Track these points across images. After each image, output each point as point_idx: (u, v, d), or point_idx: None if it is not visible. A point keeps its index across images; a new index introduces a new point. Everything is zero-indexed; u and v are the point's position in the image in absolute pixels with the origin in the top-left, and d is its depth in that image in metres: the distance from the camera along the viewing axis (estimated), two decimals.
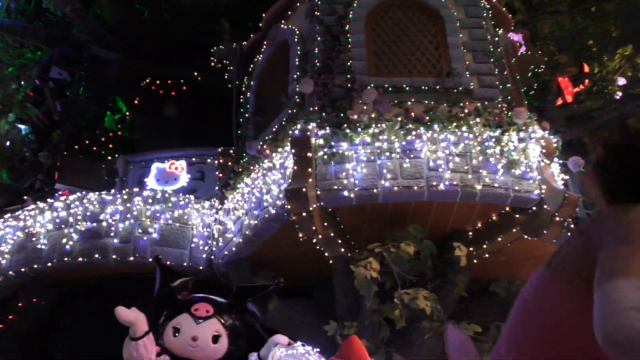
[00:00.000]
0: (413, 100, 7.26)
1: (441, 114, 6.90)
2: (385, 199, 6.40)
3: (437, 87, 7.47)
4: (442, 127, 6.65)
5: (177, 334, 4.11)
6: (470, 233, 6.92)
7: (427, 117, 6.79)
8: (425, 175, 6.38)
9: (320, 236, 6.53)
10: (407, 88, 7.42)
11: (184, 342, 4.04)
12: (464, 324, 6.31)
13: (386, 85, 7.37)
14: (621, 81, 12.21)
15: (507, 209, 6.68)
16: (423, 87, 7.47)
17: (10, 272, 8.47)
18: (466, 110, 6.99)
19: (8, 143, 12.33)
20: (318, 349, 4.24)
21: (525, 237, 6.70)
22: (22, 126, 11.89)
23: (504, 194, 6.40)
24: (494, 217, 6.83)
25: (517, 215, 6.63)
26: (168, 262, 7.95)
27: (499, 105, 7.41)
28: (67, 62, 11.04)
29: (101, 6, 12.49)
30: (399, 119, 6.73)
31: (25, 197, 10.14)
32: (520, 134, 6.69)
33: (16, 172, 11.57)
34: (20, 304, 8.62)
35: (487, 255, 7.05)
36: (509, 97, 7.65)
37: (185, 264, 8.05)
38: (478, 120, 6.79)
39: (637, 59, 12.96)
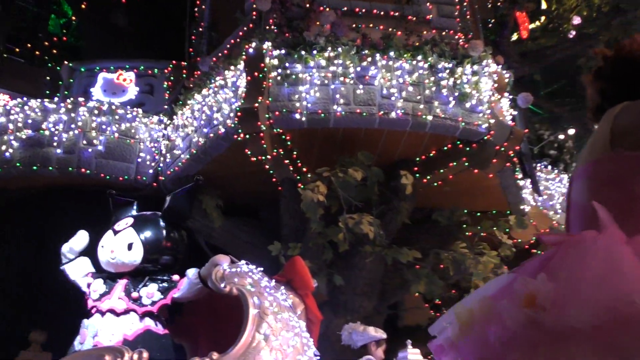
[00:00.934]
0: (371, 25, 7.16)
1: (398, 42, 6.84)
2: (336, 124, 6.40)
3: (396, 13, 7.36)
4: (398, 55, 6.61)
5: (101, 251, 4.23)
6: (418, 162, 7.03)
7: (384, 44, 6.72)
8: (377, 102, 6.38)
9: (269, 157, 6.53)
10: (366, 13, 7.29)
11: (106, 256, 4.14)
12: (405, 250, 6.51)
13: (345, 8, 7.23)
14: (576, 20, 12.28)
15: (456, 140, 6.79)
16: (382, 13, 7.36)
17: None
18: (423, 40, 6.95)
19: None
20: (262, 269, 4.30)
21: (471, 168, 6.86)
22: None
23: (454, 126, 6.49)
24: (442, 148, 6.94)
25: (465, 147, 6.76)
26: (113, 176, 7.84)
27: (456, 37, 7.39)
28: None
29: None
30: (355, 43, 6.63)
31: None
32: (474, 67, 6.72)
33: None
34: None
35: (432, 185, 7.21)
36: (467, 29, 7.63)
37: (131, 178, 7.94)
38: (434, 50, 6.76)
39: None
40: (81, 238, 4.37)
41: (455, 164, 6.89)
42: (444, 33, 7.40)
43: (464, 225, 7.31)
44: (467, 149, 6.74)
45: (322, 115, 6.31)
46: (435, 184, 7.20)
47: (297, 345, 3.89)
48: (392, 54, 6.60)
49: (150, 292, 4.03)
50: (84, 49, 11.42)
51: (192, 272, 4.00)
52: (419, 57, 6.65)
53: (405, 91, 6.45)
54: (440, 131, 6.58)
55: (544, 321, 1.38)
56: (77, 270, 4.26)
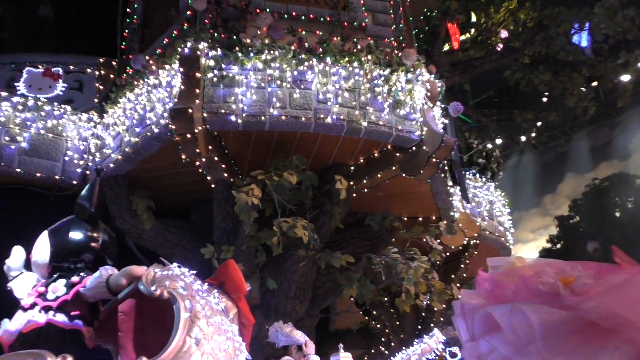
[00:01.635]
0: (308, 30, 7.20)
1: (334, 47, 6.91)
2: (272, 127, 6.40)
3: (333, 19, 7.44)
4: (334, 61, 6.68)
5: None
6: (352, 167, 7.12)
7: (320, 49, 6.77)
8: (313, 107, 6.42)
9: (203, 159, 6.45)
10: (303, 17, 7.33)
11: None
12: (338, 254, 6.58)
13: (282, 12, 7.24)
14: (503, 34, 12.79)
15: (389, 147, 6.92)
16: (319, 18, 7.41)
17: None
18: (359, 46, 7.05)
19: None
20: (194, 272, 4.24)
21: (403, 175, 7.01)
22: None
23: (387, 132, 6.62)
24: (376, 154, 7.06)
25: (397, 154, 6.90)
26: (38, 174, 7.53)
27: (391, 45, 7.54)
28: None
29: None
30: (293, 47, 6.66)
31: None
32: (408, 75, 6.88)
33: None
34: None
35: (365, 190, 7.31)
36: (401, 38, 7.80)
37: (57, 177, 7.65)
38: (369, 57, 6.88)
39: (520, 14, 13.59)
40: (16, 254, 4.22)
41: (387, 170, 7.02)
42: (379, 41, 7.53)
43: (395, 230, 7.46)
44: (400, 155, 6.88)
45: (258, 118, 6.29)
46: (368, 189, 7.32)
47: (229, 349, 3.86)
48: (328, 59, 6.66)
49: (55, 287, 3.90)
50: (8, 41, 10.91)
51: (102, 271, 3.89)
52: (355, 64, 6.75)
53: (341, 97, 6.53)
54: (375, 137, 6.69)
55: (565, 299, 1.64)
56: (22, 287, 4.10)
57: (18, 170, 7.50)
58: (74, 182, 7.66)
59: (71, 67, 8.89)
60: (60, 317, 3.86)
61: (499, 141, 13.58)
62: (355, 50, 6.92)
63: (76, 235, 4.20)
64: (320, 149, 6.84)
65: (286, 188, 6.25)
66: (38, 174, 7.56)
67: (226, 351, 3.83)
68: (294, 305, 6.86)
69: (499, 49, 13.01)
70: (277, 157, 6.59)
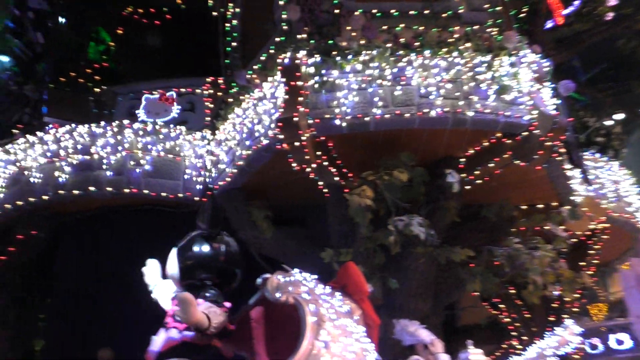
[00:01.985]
0: (402, 25, 7.16)
1: (431, 40, 6.82)
2: (376, 127, 6.41)
3: (426, 11, 7.34)
4: (433, 53, 6.59)
5: None
6: (462, 159, 6.98)
7: (417, 43, 6.71)
8: (416, 102, 6.37)
9: (312, 165, 6.58)
10: (396, 13, 7.30)
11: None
12: (457, 249, 6.47)
13: (374, 11, 7.25)
14: (611, 1, 11.98)
15: (498, 134, 6.73)
16: (412, 12, 7.35)
17: (7, 205, 8.51)
18: (456, 35, 6.91)
19: None
20: (316, 276, 4.35)
21: (516, 162, 6.78)
22: (4, 59, 11.61)
23: (495, 120, 6.43)
24: (485, 143, 6.87)
25: (508, 141, 6.69)
26: (162, 194, 8.03)
27: (489, 30, 7.32)
28: None
29: None
30: (389, 45, 6.64)
31: (13, 131, 10.03)
32: (511, 58, 6.65)
33: (2, 106, 11.39)
34: (19, 237, 8.71)
35: (478, 181, 7.14)
36: (499, 21, 7.55)
37: (180, 195, 8.12)
38: (468, 45, 6.72)
39: None
40: (152, 267, 4.55)
41: (500, 158, 6.82)
42: (476, 27, 7.34)
43: (514, 220, 7.22)
44: (511, 142, 6.66)
45: (362, 119, 6.33)
46: (481, 179, 7.14)
47: (358, 351, 3.92)
48: (426, 52, 6.58)
49: None
50: (125, 72, 11.73)
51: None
52: (455, 54, 6.62)
53: (443, 88, 6.42)
54: (482, 126, 6.53)
55: None
56: (164, 296, 4.44)
57: (145, 191, 8.05)
58: (196, 198, 8.09)
59: (183, 90, 9.44)
60: (192, 334, 4.13)
61: (618, 116, 12.73)
62: (452, 39, 6.79)
63: (200, 251, 4.45)
64: (427, 144, 6.77)
65: (397, 186, 6.24)
66: (163, 194, 8.07)
67: (355, 353, 3.90)
68: (417, 304, 6.82)
69: (607, 18, 12.20)
70: (385, 156, 6.59)
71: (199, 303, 4.18)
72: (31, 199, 8.29)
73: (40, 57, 10.79)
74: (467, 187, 6.98)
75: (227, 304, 4.34)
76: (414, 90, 6.43)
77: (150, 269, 4.58)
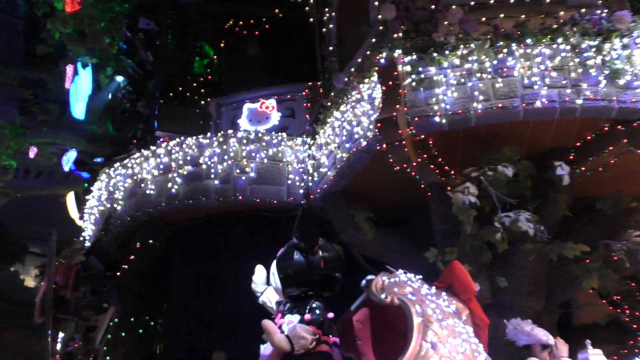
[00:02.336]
0: (502, 15, 6.91)
1: (533, 27, 6.53)
2: (478, 122, 6.23)
3: None
4: (536, 41, 6.30)
5: None
6: (572, 150, 6.62)
7: (518, 32, 6.45)
8: (519, 93, 6.13)
9: (413, 164, 6.50)
10: (495, 3, 7.05)
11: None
12: (570, 244, 6.15)
13: (472, 3, 7.03)
14: None
15: (612, 121, 6.32)
16: (511, 1, 7.07)
17: (126, 217, 9.12)
18: (561, 21, 6.57)
19: (109, 96, 12.96)
20: (420, 276, 4.30)
21: (633, 150, 6.35)
22: (119, 79, 12.42)
23: (607, 107, 6.05)
24: (597, 132, 6.48)
25: (623, 128, 6.27)
26: (267, 200, 8.26)
27: (598, 11, 6.90)
28: (152, 12, 11.31)
29: None
30: (488, 37, 6.44)
31: (130, 146, 10.71)
32: (624, 40, 6.23)
33: (119, 123, 12.19)
34: (137, 246, 9.30)
35: (591, 172, 6.75)
36: (609, 1, 7.09)
37: (283, 200, 8.32)
38: (575, 29, 6.37)
39: None
40: (259, 272, 4.70)
41: (614, 147, 6.40)
42: (583, 10, 6.94)
43: (634, 212, 6.75)
44: (626, 129, 6.24)
45: (463, 114, 6.18)
46: (594, 170, 6.73)
47: (467, 351, 3.83)
48: (528, 41, 6.31)
49: (291, 321, 4.29)
50: (227, 84, 12.19)
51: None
52: (559, 40, 6.30)
53: (549, 77, 6.13)
54: (593, 114, 6.16)
55: None
56: (271, 300, 4.57)
57: (251, 198, 8.32)
58: (299, 203, 8.26)
59: (282, 97, 9.68)
60: None
61: None
62: (557, 26, 6.46)
63: (298, 261, 4.51)
64: (533, 136, 6.48)
65: (503, 182, 6.02)
66: (268, 200, 8.30)
67: (464, 354, 3.81)
68: (529, 302, 6.55)
69: None
70: (489, 151, 6.38)
71: (284, 323, 4.27)
72: (147, 210, 8.81)
73: (151, 75, 11.43)
74: (579, 179, 6.62)
75: (330, 315, 4.37)
76: (516, 81, 6.19)
77: (258, 276, 4.71)
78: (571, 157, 6.55)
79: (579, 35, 6.29)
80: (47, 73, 13.84)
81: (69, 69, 12.36)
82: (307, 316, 4.27)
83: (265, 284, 4.76)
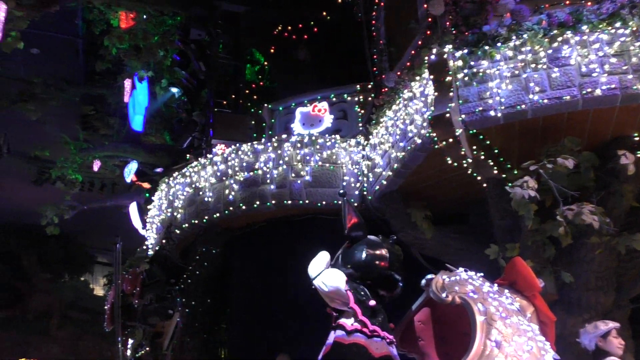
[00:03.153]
0: (555, 3, 6.71)
1: (589, 13, 6.32)
2: (535, 114, 6.08)
3: None
4: (592, 28, 6.10)
5: None
6: (636, 138, 6.37)
7: (573, 19, 6.26)
8: (577, 82, 5.95)
9: (469, 160, 6.40)
10: None
11: None
12: (639, 236, 5.91)
13: None
14: None
15: None
16: None
17: (185, 225, 9.34)
18: (619, 4, 6.34)
19: (165, 107, 13.33)
20: (481, 274, 4.22)
21: None
22: (174, 90, 12.74)
23: None
24: None
25: None
26: (323, 202, 8.29)
27: None
28: (203, 23, 11.54)
29: None
30: (541, 26, 6.27)
31: (187, 155, 10.97)
32: None
33: (176, 133, 12.51)
34: (198, 253, 9.51)
35: None
36: None
37: (339, 202, 8.30)
38: (634, 12, 6.13)
39: None
40: (322, 256, 4.53)
41: None
42: None
43: None
44: None
45: (518, 107, 6.04)
46: None
47: (533, 349, 3.74)
48: (584, 27, 6.11)
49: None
50: (279, 89, 12.32)
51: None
52: (617, 24, 6.07)
53: (608, 64, 5.92)
54: None
55: None
56: (334, 279, 4.29)
57: (307, 201, 8.37)
58: (355, 204, 8.24)
59: (334, 99, 9.71)
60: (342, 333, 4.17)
61: None
62: (614, 10, 6.23)
63: (353, 256, 4.46)
64: (594, 126, 6.27)
65: (563, 174, 5.84)
66: (323, 202, 8.33)
67: (530, 352, 3.72)
68: (597, 297, 6.32)
69: None
70: (547, 143, 6.22)
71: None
72: (206, 217, 9.00)
73: (204, 84, 11.67)
74: None
75: (372, 302, 4.26)
76: (573, 70, 6.00)
77: (320, 259, 4.54)
78: (635, 146, 6.31)
79: (639, 18, 6.05)
80: (107, 88, 14.32)
81: (127, 83, 12.76)
82: (347, 287, 4.19)
83: (324, 267, 4.62)
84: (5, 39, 8.85)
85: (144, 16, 12.08)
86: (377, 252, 4.46)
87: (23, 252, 21.55)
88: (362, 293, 4.22)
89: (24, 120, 13.72)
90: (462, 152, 6.30)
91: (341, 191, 4.93)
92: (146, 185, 13.05)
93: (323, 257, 4.50)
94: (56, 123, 13.56)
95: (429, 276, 4.15)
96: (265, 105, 10.54)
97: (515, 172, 6.24)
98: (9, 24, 8.80)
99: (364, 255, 4.43)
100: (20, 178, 17.43)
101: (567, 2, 6.70)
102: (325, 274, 4.32)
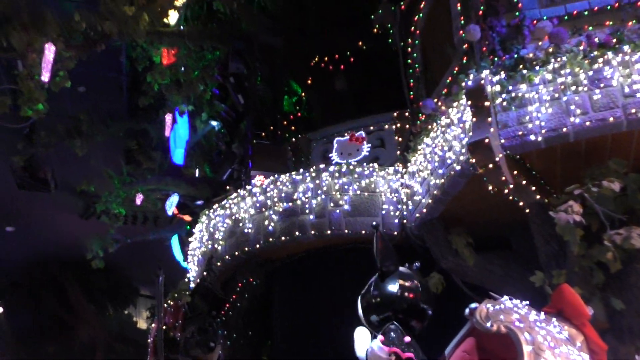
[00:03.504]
0: (595, 24, 6.62)
1: (630, 33, 6.22)
2: (577, 137, 5.97)
3: (622, 4, 6.72)
4: (634, 48, 5.98)
5: None
6: None
7: (614, 40, 6.16)
8: (620, 103, 5.82)
9: (511, 186, 6.30)
10: (586, 12, 6.78)
11: None
12: None
13: (561, 14, 6.80)
14: None
15: None
16: (604, 8, 6.77)
17: (226, 256, 9.39)
18: None
19: (205, 140, 13.57)
20: (527, 302, 4.12)
21: None
22: (213, 122, 12.97)
23: None
24: None
25: None
26: (363, 232, 8.25)
27: None
28: (242, 56, 11.77)
29: None
30: (581, 48, 6.19)
31: (227, 187, 11.09)
32: None
33: (215, 166, 12.69)
34: (239, 284, 9.54)
35: None
36: None
37: (380, 230, 8.25)
38: None
39: None
40: (361, 336, 4.52)
41: None
42: None
43: None
44: None
45: (560, 130, 5.94)
46: None
47: None
48: (626, 48, 6.00)
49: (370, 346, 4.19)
50: (316, 119, 12.41)
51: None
52: None
53: None
54: None
55: None
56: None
57: (346, 231, 8.34)
58: (395, 233, 8.18)
59: (371, 128, 9.73)
60: None
61: None
62: None
63: (385, 289, 4.44)
64: (639, 147, 6.11)
65: (609, 197, 5.69)
66: (363, 232, 8.28)
67: None
68: None
69: None
70: (591, 166, 6.08)
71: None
72: (246, 249, 9.04)
73: (242, 116, 11.85)
74: None
75: (407, 339, 4.25)
76: (616, 91, 5.88)
77: (361, 337, 4.52)
78: None
79: None
80: (149, 123, 14.67)
81: (168, 117, 13.04)
82: (381, 337, 4.20)
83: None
84: (53, 79, 9.18)
85: (185, 52, 12.38)
86: (408, 284, 4.46)
87: (69, 284, 22.04)
88: (395, 335, 4.23)
89: (71, 156, 14.14)
90: (503, 178, 6.20)
91: (374, 223, 4.90)
92: (187, 217, 13.22)
93: (363, 335, 4.51)
94: (101, 158, 13.93)
95: (473, 305, 4.08)
96: (303, 135, 10.62)
97: (559, 196, 6.11)
98: (58, 64, 9.14)
99: (395, 288, 4.42)
100: (67, 212, 17.94)
101: (607, 22, 6.61)
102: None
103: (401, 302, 4.38)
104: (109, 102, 15.36)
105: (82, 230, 16.55)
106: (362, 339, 4.49)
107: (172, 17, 11.35)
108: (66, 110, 14.87)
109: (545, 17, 6.77)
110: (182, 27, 12.20)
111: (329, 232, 8.41)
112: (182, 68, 12.31)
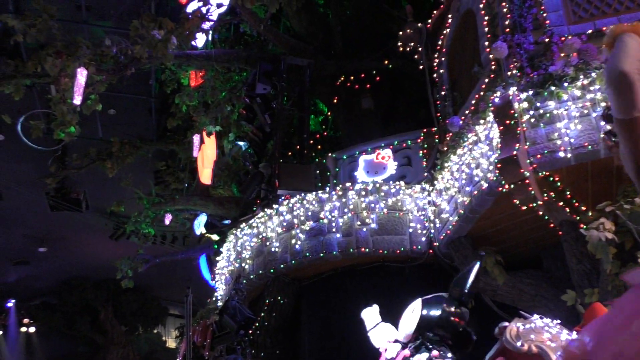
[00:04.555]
0: None
1: None
2: (608, 153, 5.86)
3: None
4: None
5: None
6: None
7: None
8: None
9: (540, 203, 6.22)
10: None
11: None
12: None
13: (589, 31, 6.75)
14: None
15: None
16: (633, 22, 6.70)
17: (253, 275, 9.42)
18: None
19: (232, 160, 13.66)
20: (558, 321, 4.03)
21: None
22: (241, 143, 13.06)
23: None
24: None
25: None
26: (390, 250, 8.20)
27: None
28: (269, 77, 11.86)
29: (289, 18, 13.22)
30: None
31: (254, 207, 11.13)
32: None
33: (243, 185, 12.75)
34: (267, 303, 9.53)
35: None
36: None
37: (406, 249, 8.21)
38: None
39: None
40: (374, 309, 4.79)
41: None
42: None
43: None
44: None
45: (590, 147, 5.85)
46: None
47: None
48: None
49: (418, 358, 4.11)
50: (342, 138, 12.42)
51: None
52: None
53: None
54: None
55: None
56: (380, 337, 4.60)
57: (373, 249, 8.31)
58: (423, 251, 8.12)
59: (397, 146, 9.69)
60: None
61: None
62: None
63: (440, 310, 4.41)
64: None
65: None
66: (390, 250, 8.24)
67: None
68: None
69: None
70: (623, 183, 5.97)
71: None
72: (274, 268, 9.06)
73: (269, 136, 11.92)
74: None
75: (435, 353, 4.20)
76: None
77: (373, 310, 4.80)
78: None
79: None
80: (177, 144, 14.85)
81: (196, 138, 13.18)
82: (435, 352, 4.16)
83: (378, 319, 4.83)
84: (85, 102, 9.37)
85: (212, 73, 12.54)
86: (453, 308, 4.41)
87: (100, 305, 22.27)
88: (449, 355, 4.21)
89: (101, 178, 14.37)
90: (532, 195, 6.13)
91: (482, 253, 4.92)
92: (215, 237, 13.28)
93: (374, 310, 4.81)
94: (131, 179, 14.13)
95: (503, 324, 4.01)
96: (329, 154, 10.64)
97: (590, 213, 6.00)
98: (89, 88, 9.34)
99: (440, 312, 4.39)
100: (98, 233, 18.20)
101: None
102: (377, 329, 4.70)
103: (447, 327, 4.37)
104: (138, 124, 15.62)
105: (112, 251, 16.75)
106: (371, 318, 4.73)
107: (200, 40, 11.51)
108: (97, 133, 15.16)
109: (573, 34, 6.72)
110: (209, 50, 12.37)
111: (355, 250, 8.39)
112: (210, 90, 12.46)
